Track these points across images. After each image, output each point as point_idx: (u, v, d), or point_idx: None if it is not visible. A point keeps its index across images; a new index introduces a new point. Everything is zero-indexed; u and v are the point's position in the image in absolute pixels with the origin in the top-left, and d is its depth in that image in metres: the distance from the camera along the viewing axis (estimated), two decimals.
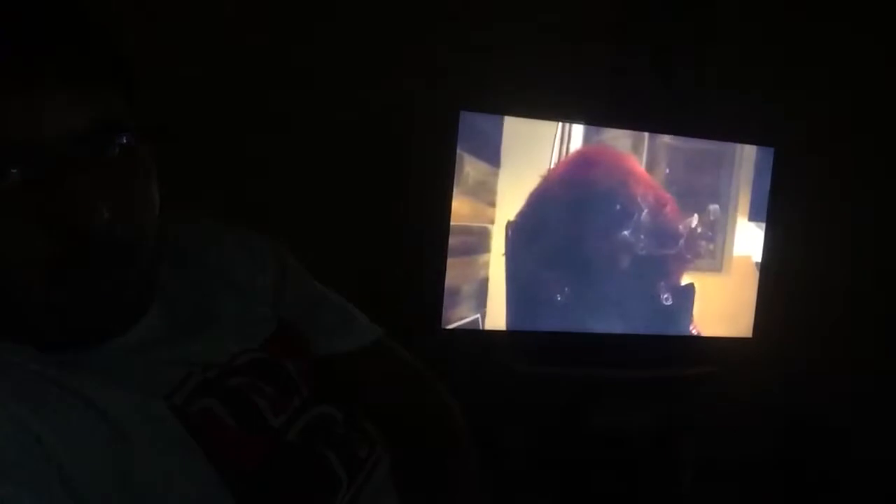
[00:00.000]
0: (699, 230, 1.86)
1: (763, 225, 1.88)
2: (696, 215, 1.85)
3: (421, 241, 1.67)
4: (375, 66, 1.68)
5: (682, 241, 1.85)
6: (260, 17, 1.58)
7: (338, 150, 1.70)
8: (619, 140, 1.78)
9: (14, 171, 0.52)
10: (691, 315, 1.87)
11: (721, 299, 1.90)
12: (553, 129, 1.72)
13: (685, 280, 1.87)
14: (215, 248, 0.77)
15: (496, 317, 1.73)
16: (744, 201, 1.87)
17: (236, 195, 1.44)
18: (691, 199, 1.84)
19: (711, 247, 1.88)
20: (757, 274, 1.89)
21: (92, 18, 0.57)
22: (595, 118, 1.74)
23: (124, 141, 0.57)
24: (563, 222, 1.76)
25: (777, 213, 1.86)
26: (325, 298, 0.85)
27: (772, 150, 1.86)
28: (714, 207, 1.87)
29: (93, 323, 0.60)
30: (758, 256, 1.89)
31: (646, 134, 1.77)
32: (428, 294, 1.65)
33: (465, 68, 1.70)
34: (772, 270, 1.87)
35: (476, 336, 1.71)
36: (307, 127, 1.66)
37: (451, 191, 1.63)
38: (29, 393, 0.55)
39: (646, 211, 1.82)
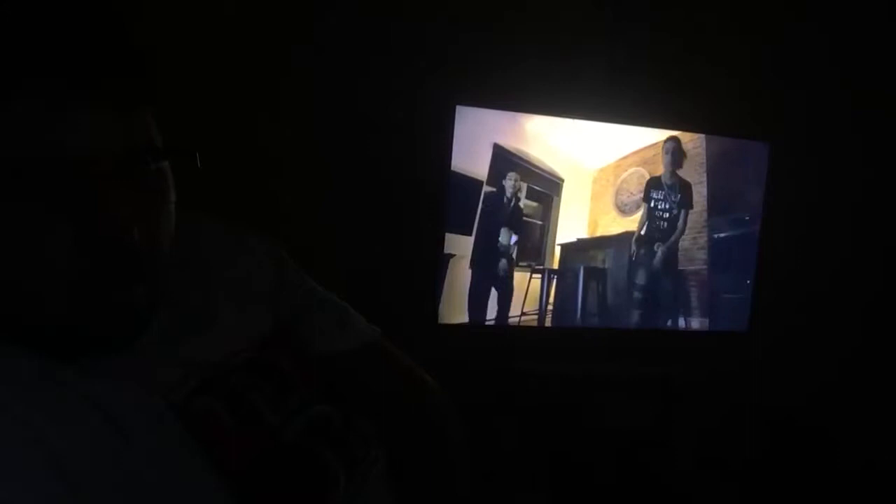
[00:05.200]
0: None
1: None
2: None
3: (419, 238, 1.70)
4: (373, 61, 1.70)
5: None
6: (258, 14, 1.59)
7: (335, 149, 1.71)
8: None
9: (52, 187, 0.54)
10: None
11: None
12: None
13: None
14: (215, 249, 0.79)
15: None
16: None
17: (236, 196, 1.43)
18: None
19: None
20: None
21: (134, 42, 0.59)
22: (590, 113, 1.77)
23: (157, 163, 0.60)
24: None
25: (773, 208, 1.90)
26: (323, 299, 0.87)
27: (767, 144, 1.91)
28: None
29: (106, 334, 0.61)
30: None
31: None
32: (425, 291, 1.68)
33: (461, 63, 1.72)
34: (768, 265, 1.91)
35: (472, 332, 1.75)
36: (305, 126, 1.67)
37: (448, 188, 1.67)
38: (30, 393, 0.57)
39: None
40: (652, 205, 1.88)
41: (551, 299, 1.83)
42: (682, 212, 1.90)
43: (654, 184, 1.87)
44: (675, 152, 1.87)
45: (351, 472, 0.72)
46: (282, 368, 0.75)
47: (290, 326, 0.81)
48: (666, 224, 1.90)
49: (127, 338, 0.63)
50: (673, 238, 1.90)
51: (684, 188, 1.90)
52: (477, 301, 1.76)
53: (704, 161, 1.89)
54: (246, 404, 0.68)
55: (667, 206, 1.89)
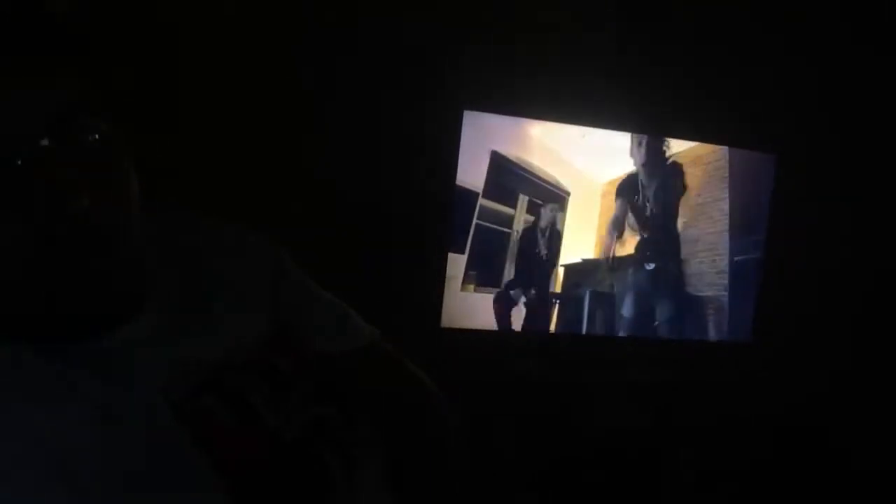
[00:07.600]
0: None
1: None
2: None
3: (423, 240, 1.66)
4: (377, 65, 1.67)
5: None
6: (260, 16, 1.59)
7: (336, 150, 1.67)
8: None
9: None
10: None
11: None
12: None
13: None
14: (215, 248, 0.80)
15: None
16: None
17: (236, 198, 1.42)
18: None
19: None
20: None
21: (57, 10, 0.60)
22: (595, 120, 1.72)
23: (96, 127, 0.60)
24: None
25: (778, 219, 1.86)
26: (322, 299, 0.89)
27: (773, 156, 1.85)
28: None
29: (82, 310, 0.62)
30: None
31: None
32: (429, 294, 1.64)
33: (469, 68, 1.68)
34: (772, 276, 1.87)
35: (474, 337, 1.68)
36: (306, 126, 1.65)
37: (453, 190, 1.61)
38: (32, 392, 0.59)
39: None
40: (631, 221, 1.77)
41: (553, 326, 1.73)
42: (671, 222, 1.78)
43: (626, 189, 1.74)
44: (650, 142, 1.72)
45: (350, 473, 0.74)
46: (281, 368, 0.75)
47: (289, 326, 0.81)
48: (658, 238, 1.78)
49: (110, 315, 0.64)
50: (673, 259, 1.79)
51: (671, 183, 1.77)
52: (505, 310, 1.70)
53: (727, 175, 1.80)
54: (245, 404, 0.69)
55: (647, 213, 1.77)
